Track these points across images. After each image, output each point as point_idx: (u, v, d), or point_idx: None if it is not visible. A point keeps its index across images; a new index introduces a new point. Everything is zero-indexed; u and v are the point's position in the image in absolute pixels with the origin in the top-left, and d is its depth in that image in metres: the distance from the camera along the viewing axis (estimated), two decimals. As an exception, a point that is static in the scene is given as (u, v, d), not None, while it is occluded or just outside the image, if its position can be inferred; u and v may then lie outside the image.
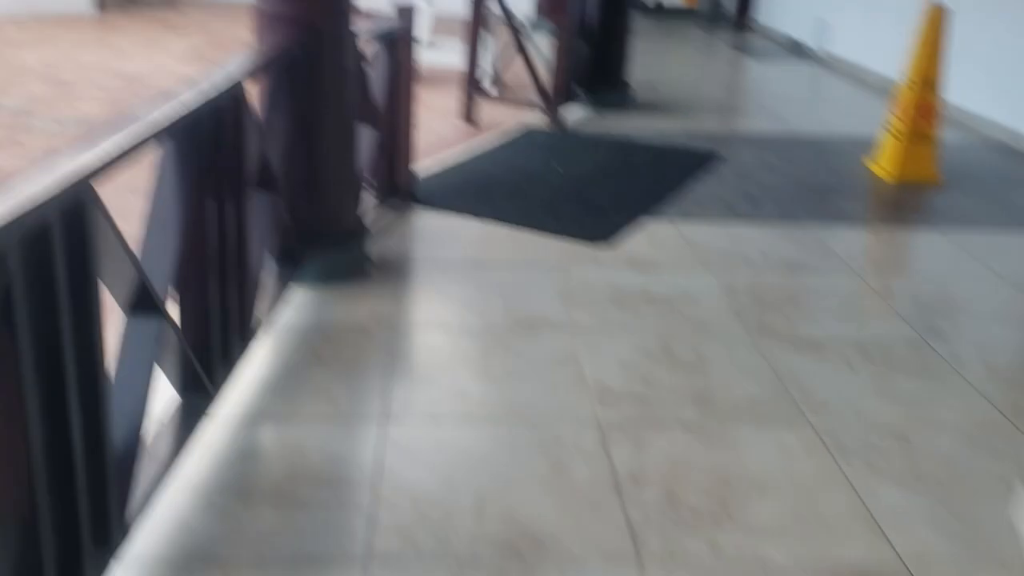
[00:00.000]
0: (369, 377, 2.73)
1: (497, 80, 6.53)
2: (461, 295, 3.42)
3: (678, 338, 3.10)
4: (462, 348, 3.02)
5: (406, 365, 2.86)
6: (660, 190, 4.75)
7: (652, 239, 4.05)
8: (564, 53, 5.97)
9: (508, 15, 6.02)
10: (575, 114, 6.25)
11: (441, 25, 8.17)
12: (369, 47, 3.91)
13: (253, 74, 2.74)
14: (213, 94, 2.26)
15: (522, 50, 6.05)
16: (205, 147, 2.26)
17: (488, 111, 6.19)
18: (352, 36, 3.42)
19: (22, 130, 5.33)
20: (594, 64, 6.50)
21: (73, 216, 1.54)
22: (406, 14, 4.10)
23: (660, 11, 12.65)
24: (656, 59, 8.70)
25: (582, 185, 4.81)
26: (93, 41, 8.09)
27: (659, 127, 6.07)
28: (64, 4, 9.12)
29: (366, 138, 3.88)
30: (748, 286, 3.58)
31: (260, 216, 2.87)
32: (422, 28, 7.28)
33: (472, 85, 6.07)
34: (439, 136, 5.79)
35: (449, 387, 2.71)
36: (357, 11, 3.63)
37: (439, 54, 7.26)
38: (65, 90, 6.30)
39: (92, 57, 7.43)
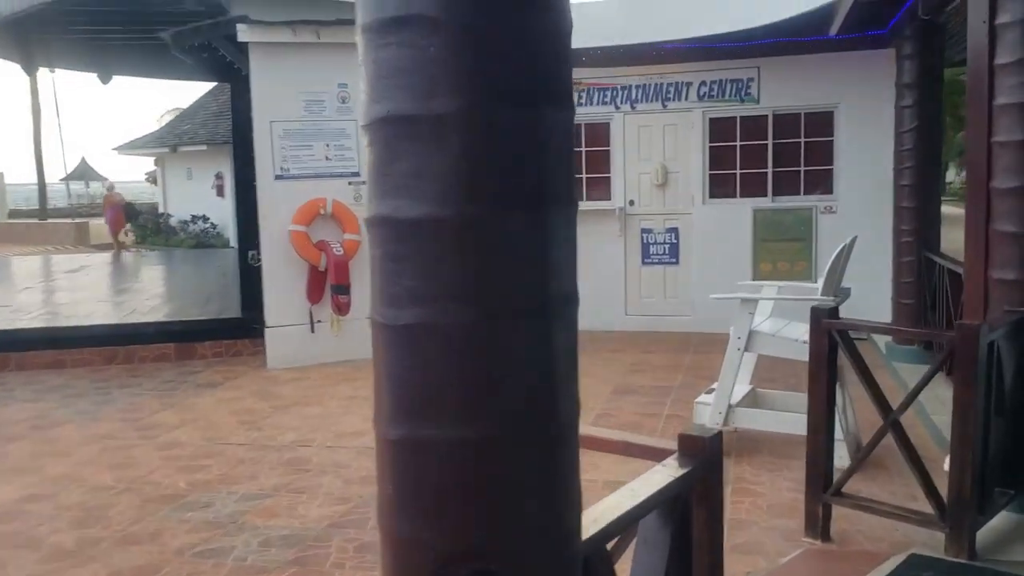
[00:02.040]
0: None
1: (855, 465, 4.39)
2: None
3: None
4: None
5: None
6: None
7: None
8: (967, 431, 3.78)
9: (854, 350, 4.05)
10: (993, 529, 3.92)
11: (767, 370, 6.34)
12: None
13: None
14: None
15: (895, 425, 3.98)
16: None
17: (844, 514, 4.12)
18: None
19: (210, 557, 4.11)
20: (1016, 443, 4.18)
21: None
22: (701, 450, 2.32)
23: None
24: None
25: None
26: (364, 395, 7.23)
27: None
28: (352, 352, 8.32)
29: None
30: None
31: None
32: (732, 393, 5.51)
33: (819, 475, 4.07)
34: (769, 566, 3.77)
35: None
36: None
37: (765, 416, 5.36)
38: (302, 480, 5.15)
39: (353, 422, 6.44)
